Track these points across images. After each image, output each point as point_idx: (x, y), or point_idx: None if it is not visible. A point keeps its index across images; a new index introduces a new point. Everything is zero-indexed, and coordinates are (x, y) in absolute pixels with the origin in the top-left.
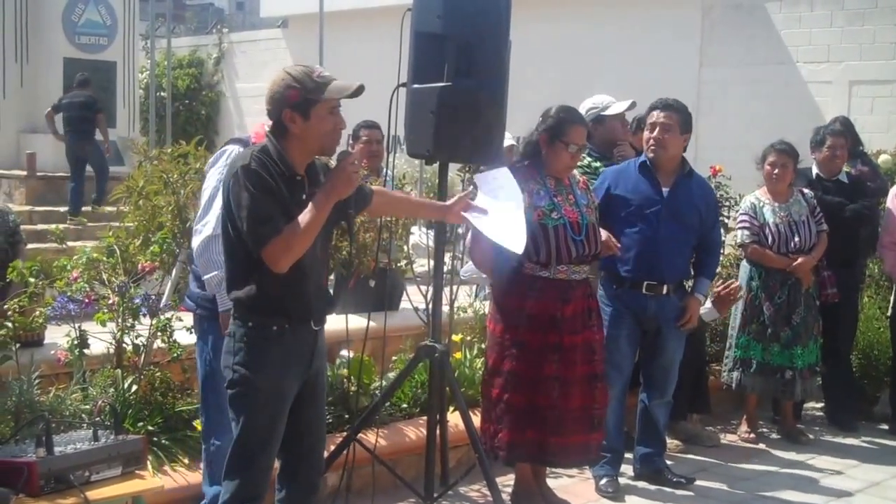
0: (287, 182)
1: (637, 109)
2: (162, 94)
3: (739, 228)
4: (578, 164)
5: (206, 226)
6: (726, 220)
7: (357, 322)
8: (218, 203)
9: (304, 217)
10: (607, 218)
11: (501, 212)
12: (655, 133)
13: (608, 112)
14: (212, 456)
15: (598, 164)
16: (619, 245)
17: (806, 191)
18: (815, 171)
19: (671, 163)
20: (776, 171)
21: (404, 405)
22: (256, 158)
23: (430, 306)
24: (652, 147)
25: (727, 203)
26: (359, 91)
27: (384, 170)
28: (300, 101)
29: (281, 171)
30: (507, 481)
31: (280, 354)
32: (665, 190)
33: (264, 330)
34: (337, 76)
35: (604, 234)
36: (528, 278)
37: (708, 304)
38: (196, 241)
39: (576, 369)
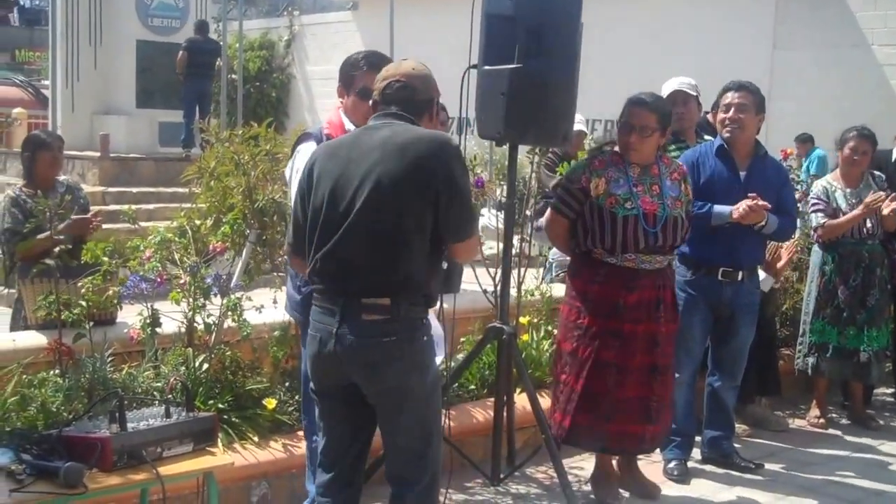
0: None
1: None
2: (233, 76)
3: (814, 212)
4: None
5: None
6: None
7: None
8: None
9: None
10: None
11: None
12: (731, 113)
13: None
14: (314, 454)
15: None
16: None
17: (876, 173)
18: (895, 155)
19: (747, 144)
20: (856, 156)
21: (472, 386)
22: None
23: (499, 288)
24: (728, 127)
25: (798, 186)
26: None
27: None
28: None
29: None
30: (573, 463)
31: None
32: (742, 174)
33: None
34: (406, 58)
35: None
36: (596, 263)
37: (762, 273)
38: None
39: (635, 358)
